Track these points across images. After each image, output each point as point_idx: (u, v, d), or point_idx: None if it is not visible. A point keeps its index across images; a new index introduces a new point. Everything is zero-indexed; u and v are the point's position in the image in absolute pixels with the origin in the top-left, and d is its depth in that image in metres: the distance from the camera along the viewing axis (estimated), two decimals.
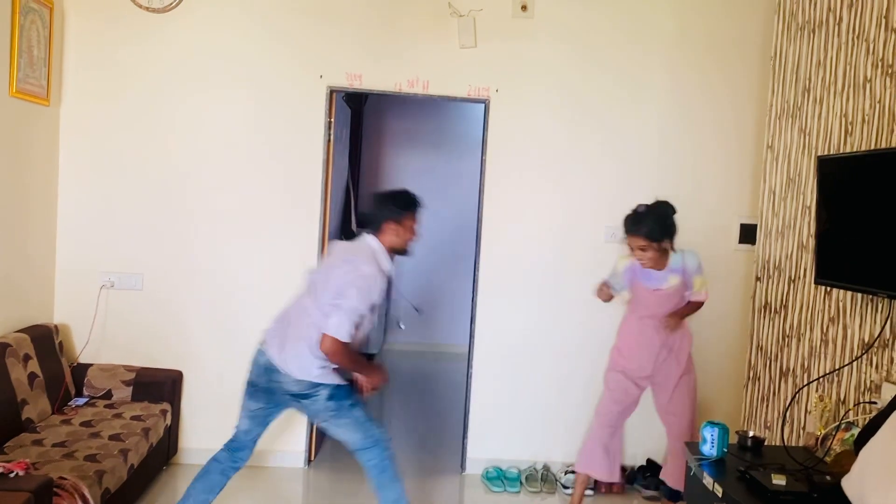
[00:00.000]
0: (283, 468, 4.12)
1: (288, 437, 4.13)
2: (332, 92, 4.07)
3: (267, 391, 3.01)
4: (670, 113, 4.17)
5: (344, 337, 2.82)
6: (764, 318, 3.70)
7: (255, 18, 3.98)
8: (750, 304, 3.88)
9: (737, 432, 2.89)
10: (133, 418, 3.55)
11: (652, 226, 3.28)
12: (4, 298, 3.50)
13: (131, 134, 3.97)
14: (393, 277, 3.03)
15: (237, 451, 3.15)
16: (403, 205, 3.03)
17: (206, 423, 4.04)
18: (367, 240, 3.03)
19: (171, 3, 3.90)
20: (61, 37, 3.88)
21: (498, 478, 4.09)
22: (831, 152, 3.22)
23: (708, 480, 2.56)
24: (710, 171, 4.20)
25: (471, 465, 4.24)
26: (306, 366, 2.91)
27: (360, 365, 3.03)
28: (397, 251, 3.05)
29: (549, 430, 4.25)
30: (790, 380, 3.45)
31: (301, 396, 2.95)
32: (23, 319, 3.65)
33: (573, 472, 4.06)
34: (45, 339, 3.62)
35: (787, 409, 3.42)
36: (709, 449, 2.72)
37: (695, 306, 3.49)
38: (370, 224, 3.06)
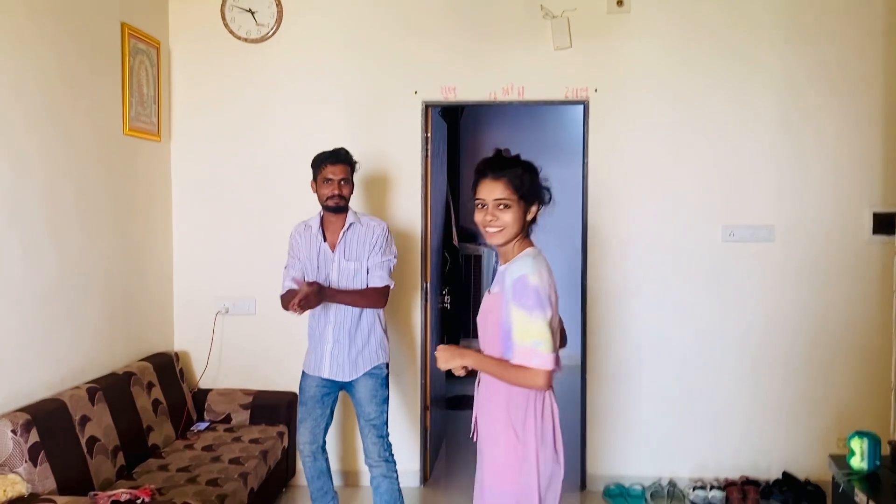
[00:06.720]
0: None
1: (401, 457, 4.09)
2: (428, 107, 4.04)
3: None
4: (785, 101, 3.88)
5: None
6: None
7: (347, 39, 4.02)
8: (892, 299, 3.53)
9: (889, 443, 2.62)
10: (251, 441, 3.61)
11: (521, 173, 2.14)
12: (128, 329, 3.65)
13: (236, 162, 4.09)
14: (311, 229, 3.34)
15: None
16: (313, 163, 3.28)
17: None
18: None
19: (268, 33, 4.00)
20: (168, 74, 4.04)
21: (620, 495, 3.90)
22: None
23: (861, 497, 2.31)
24: (831, 159, 3.88)
25: (591, 483, 4.05)
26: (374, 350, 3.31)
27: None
28: (324, 207, 3.27)
29: (673, 443, 4.02)
30: None
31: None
32: (145, 349, 3.80)
33: (702, 487, 3.84)
34: (167, 367, 3.75)
35: None
36: (858, 462, 2.47)
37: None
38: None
